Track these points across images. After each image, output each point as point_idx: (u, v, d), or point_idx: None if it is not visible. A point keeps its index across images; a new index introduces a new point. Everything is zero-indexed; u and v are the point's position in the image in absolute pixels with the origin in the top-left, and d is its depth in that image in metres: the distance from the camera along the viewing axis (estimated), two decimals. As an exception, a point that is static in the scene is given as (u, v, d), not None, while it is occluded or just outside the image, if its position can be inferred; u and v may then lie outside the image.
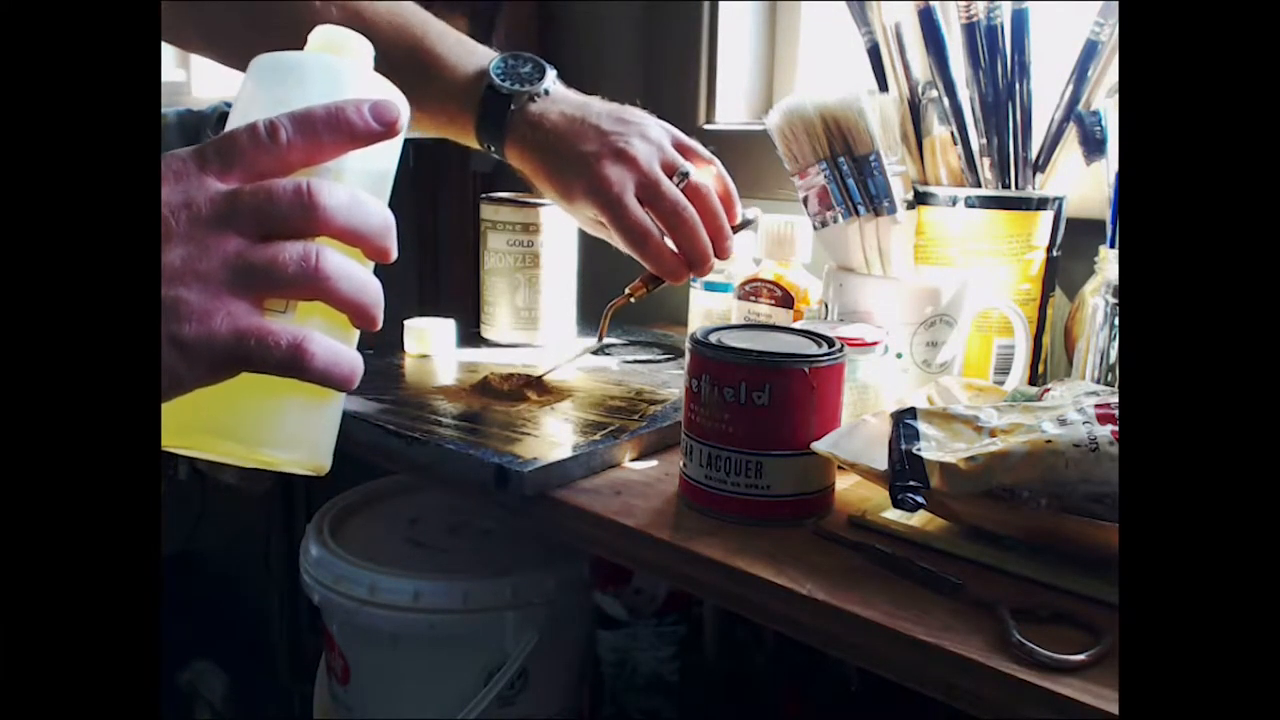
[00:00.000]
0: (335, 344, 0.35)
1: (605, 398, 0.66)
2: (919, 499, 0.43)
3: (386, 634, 0.76)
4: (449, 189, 1.19)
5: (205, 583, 1.59)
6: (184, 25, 0.64)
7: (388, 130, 0.36)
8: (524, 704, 0.77)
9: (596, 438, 0.56)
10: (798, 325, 0.58)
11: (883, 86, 0.67)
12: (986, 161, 0.64)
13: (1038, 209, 0.63)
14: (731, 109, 0.97)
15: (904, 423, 0.47)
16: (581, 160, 0.61)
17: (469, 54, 0.64)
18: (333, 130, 0.35)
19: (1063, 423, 0.43)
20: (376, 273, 0.37)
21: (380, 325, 0.37)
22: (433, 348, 0.78)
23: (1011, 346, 0.62)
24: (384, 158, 0.38)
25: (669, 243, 0.61)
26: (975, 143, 0.64)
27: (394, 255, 0.37)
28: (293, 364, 0.34)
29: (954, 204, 0.64)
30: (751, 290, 0.71)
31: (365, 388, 0.59)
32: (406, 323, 0.78)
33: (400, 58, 0.61)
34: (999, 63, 0.62)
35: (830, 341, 0.50)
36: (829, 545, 0.46)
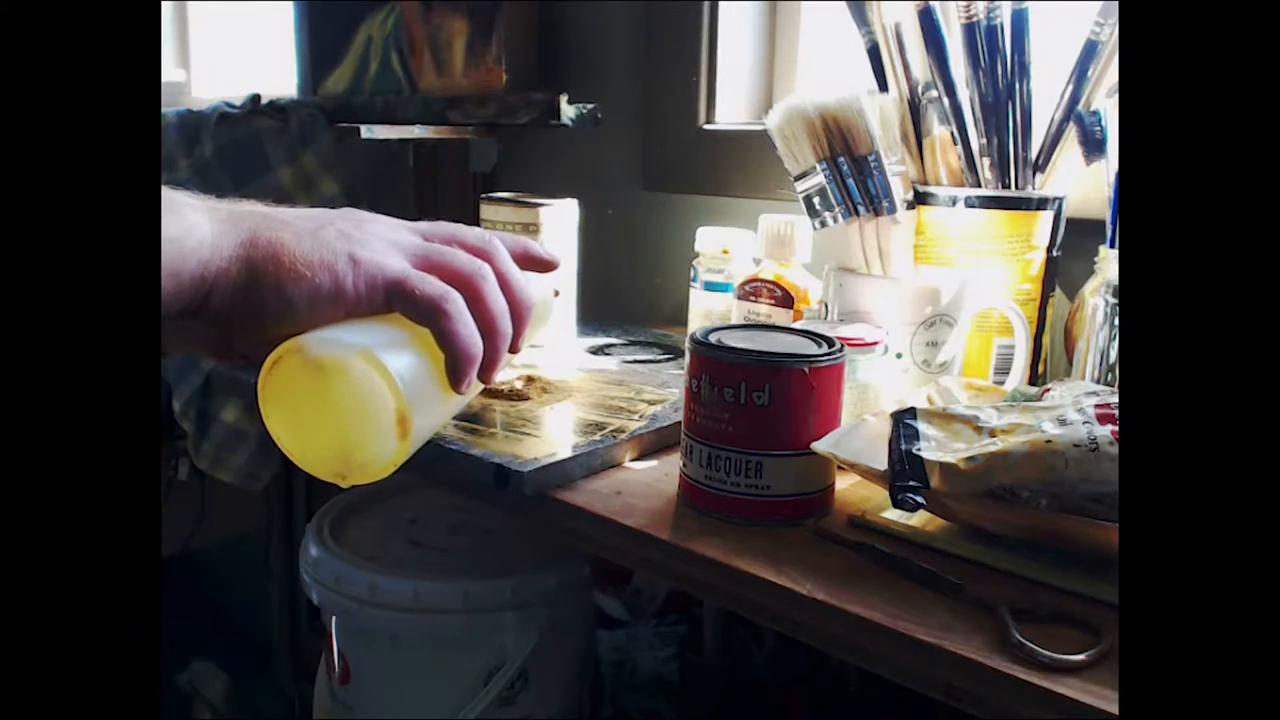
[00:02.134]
0: (473, 327, 0.40)
1: (605, 398, 0.66)
2: (919, 499, 0.43)
3: (386, 634, 0.76)
4: (449, 189, 1.19)
5: (205, 583, 1.59)
6: None
7: (551, 264, 0.48)
8: (524, 704, 0.77)
9: (596, 438, 0.56)
10: (798, 325, 0.57)
11: (883, 86, 0.67)
12: (986, 161, 0.64)
13: (1038, 209, 0.63)
14: (731, 109, 0.97)
15: (904, 423, 0.47)
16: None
17: None
18: (516, 244, 0.46)
19: (1063, 423, 0.43)
20: None
21: (463, 390, 0.41)
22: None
23: (1011, 346, 0.62)
24: (542, 289, 0.48)
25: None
26: (975, 143, 0.64)
27: (511, 339, 0.43)
28: (433, 312, 0.39)
29: (954, 204, 0.64)
30: (751, 290, 0.71)
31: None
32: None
33: None
34: (999, 63, 0.62)
35: (830, 341, 0.50)
36: (829, 545, 0.46)
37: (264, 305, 0.38)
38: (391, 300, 0.40)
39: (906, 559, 0.44)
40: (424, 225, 0.44)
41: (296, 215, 0.41)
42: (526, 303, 0.43)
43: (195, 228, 0.37)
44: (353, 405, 0.39)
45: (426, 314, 0.40)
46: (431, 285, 0.40)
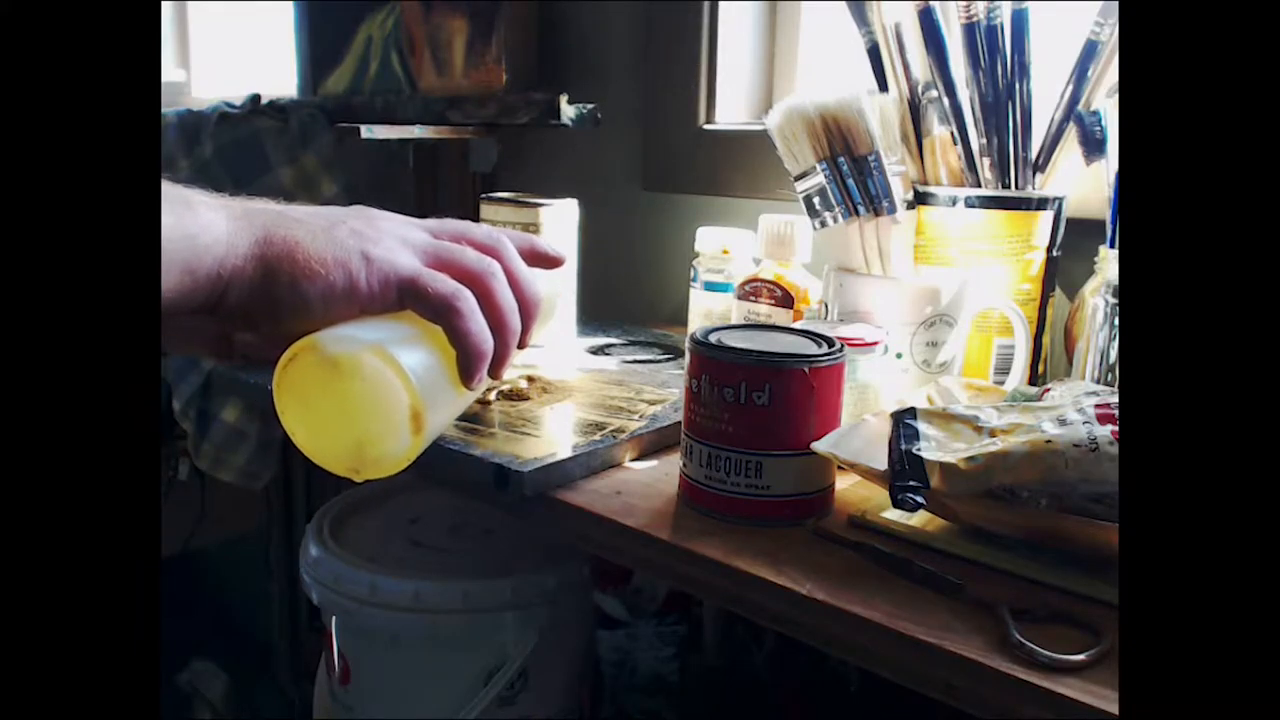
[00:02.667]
0: (484, 324, 0.41)
1: (605, 398, 0.66)
2: (919, 499, 0.43)
3: (386, 634, 0.76)
4: (449, 189, 1.19)
5: (205, 583, 1.59)
6: None
7: (557, 260, 0.49)
8: (524, 704, 0.77)
9: (596, 438, 0.56)
10: (798, 325, 0.57)
11: (883, 86, 0.67)
12: (986, 161, 0.64)
13: (1038, 209, 0.63)
14: (731, 109, 0.97)
15: (904, 423, 0.47)
16: None
17: None
18: (522, 241, 0.47)
19: (1063, 423, 0.43)
20: None
21: (473, 386, 0.41)
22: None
23: (1011, 346, 0.62)
24: (547, 285, 0.48)
25: None
26: (975, 143, 0.64)
27: (519, 335, 0.44)
28: (445, 310, 0.40)
29: (954, 204, 0.64)
30: (751, 290, 0.71)
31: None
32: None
33: None
34: (999, 63, 0.62)
35: (830, 341, 0.50)
36: (829, 545, 0.46)
37: (279, 302, 0.39)
38: (404, 298, 0.40)
39: (906, 559, 0.43)
40: (433, 223, 0.45)
41: (310, 213, 0.41)
42: (535, 299, 0.44)
43: (211, 225, 0.37)
44: (367, 401, 0.40)
45: (439, 312, 0.40)
46: (443, 283, 0.40)
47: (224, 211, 0.38)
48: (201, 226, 0.37)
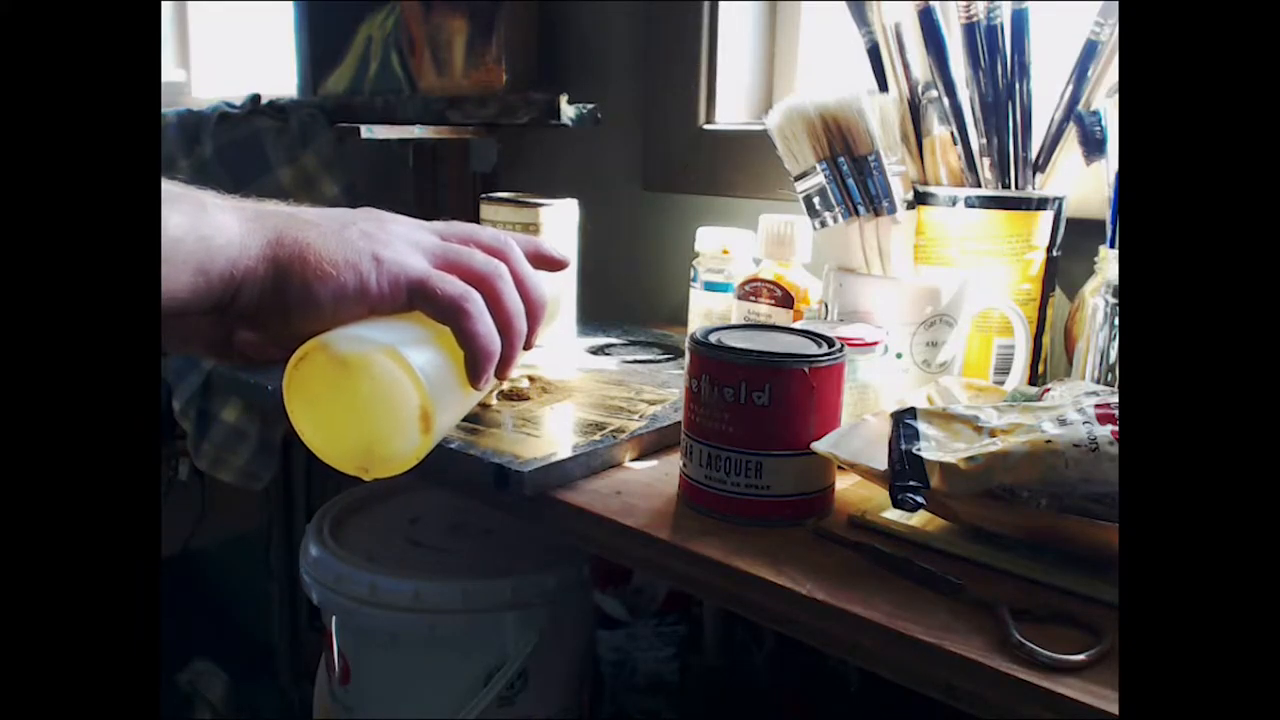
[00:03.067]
0: (492, 325, 0.41)
1: (605, 398, 0.66)
2: (919, 499, 0.43)
3: (386, 634, 0.76)
4: (449, 189, 1.19)
5: (205, 583, 1.59)
6: None
7: (561, 263, 0.49)
8: (524, 704, 0.77)
9: (596, 438, 0.56)
10: (798, 325, 0.57)
11: (883, 86, 0.67)
12: (986, 161, 0.64)
13: (1038, 209, 0.63)
14: (731, 109, 0.97)
15: (904, 423, 0.47)
16: None
17: None
18: (527, 244, 0.47)
19: (1063, 423, 0.43)
20: None
21: (481, 386, 0.42)
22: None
23: (1011, 346, 0.62)
24: (552, 287, 0.48)
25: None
26: (975, 143, 0.64)
27: (525, 336, 0.44)
28: (454, 311, 0.40)
29: (954, 204, 0.64)
30: (751, 290, 0.71)
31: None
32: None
33: None
34: (999, 63, 0.62)
35: (830, 341, 0.50)
36: (829, 545, 0.46)
37: (290, 303, 0.39)
38: (413, 299, 0.41)
39: (906, 559, 0.44)
40: (441, 225, 0.45)
41: (320, 215, 0.42)
42: (540, 301, 0.45)
43: (225, 227, 0.38)
44: (377, 400, 0.40)
45: (448, 313, 0.41)
46: (453, 285, 0.41)
47: (237, 213, 0.39)
48: (215, 228, 0.37)
